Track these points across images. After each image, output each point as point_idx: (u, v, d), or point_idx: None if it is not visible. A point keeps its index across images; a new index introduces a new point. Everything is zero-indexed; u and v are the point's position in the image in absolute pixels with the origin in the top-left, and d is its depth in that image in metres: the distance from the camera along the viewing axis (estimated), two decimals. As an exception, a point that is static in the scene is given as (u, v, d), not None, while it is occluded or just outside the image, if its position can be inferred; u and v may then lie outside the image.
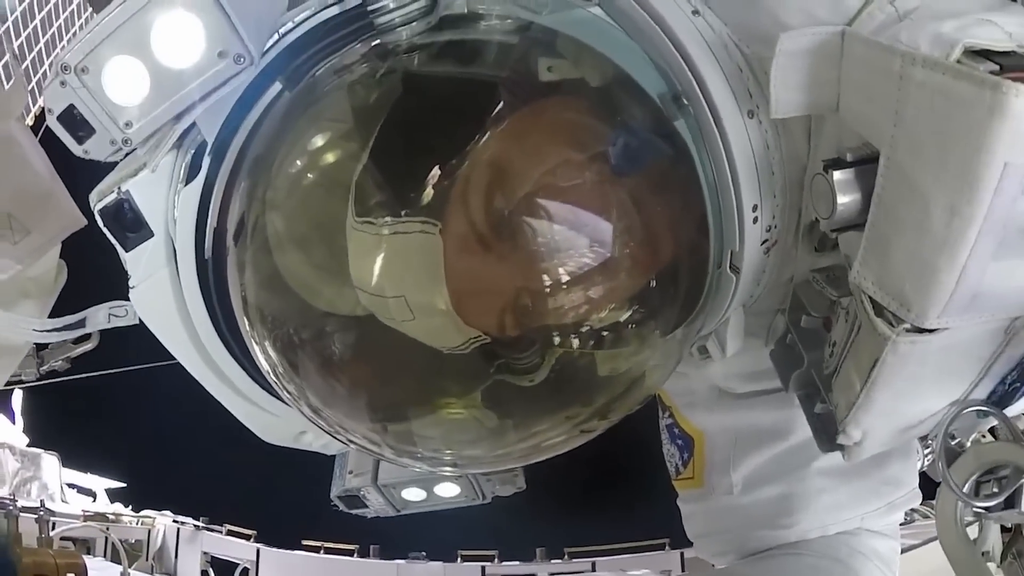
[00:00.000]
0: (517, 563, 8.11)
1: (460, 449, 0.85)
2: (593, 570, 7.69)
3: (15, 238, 1.09)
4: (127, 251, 0.81)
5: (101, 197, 0.78)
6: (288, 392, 0.81)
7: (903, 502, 1.05)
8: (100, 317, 0.86)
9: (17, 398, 8.33)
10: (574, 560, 8.02)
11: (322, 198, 0.77)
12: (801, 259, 0.82)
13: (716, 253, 0.75)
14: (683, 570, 6.86)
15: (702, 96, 0.71)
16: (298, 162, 0.78)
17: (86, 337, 0.93)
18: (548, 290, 0.69)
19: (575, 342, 0.73)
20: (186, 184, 0.79)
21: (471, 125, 0.70)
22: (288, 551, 8.65)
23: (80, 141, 0.72)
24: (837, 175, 0.63)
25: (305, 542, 8.76)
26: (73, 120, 0.71)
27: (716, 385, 1.06)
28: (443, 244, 0.67)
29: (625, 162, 0.70)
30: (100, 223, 0.79)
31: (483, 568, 7.94)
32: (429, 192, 0.68)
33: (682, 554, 7.36)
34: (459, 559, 8.17)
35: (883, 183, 0.60)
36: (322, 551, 8.63)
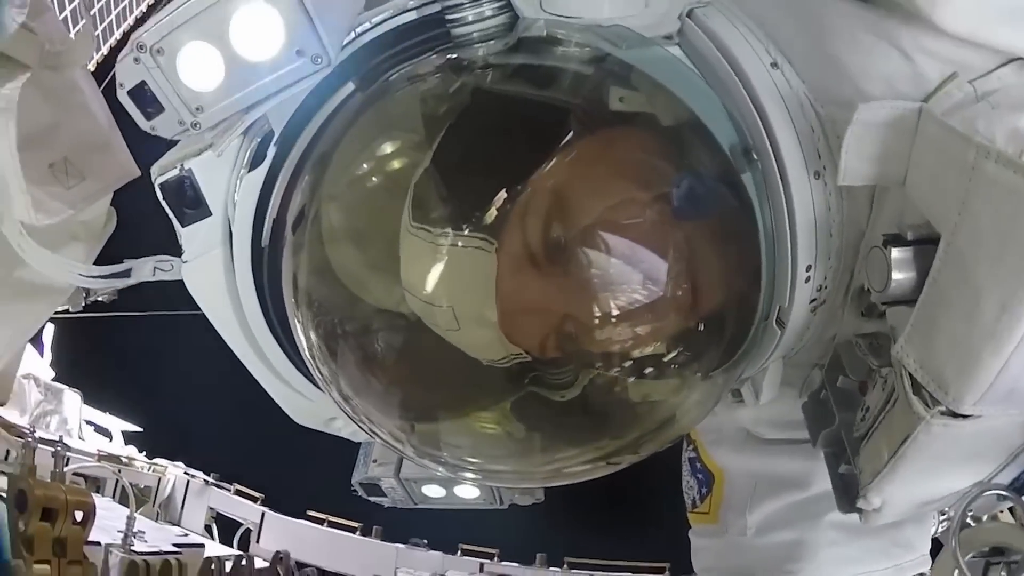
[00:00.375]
0: (516, 565, 8.08)
1: (484, 461, 0.87)
2: None
3: (69, 183, 1.11)
4: (183, 226, 0.83)
5: (163, 171, 0.80)
6: (322, 375, 0.83)
7: (911, 566, 1.05)
8: (146, 270, 0.87)
9: (48, 331, 8.50)
10: (572, 571, 7.98)
11: (383, 199, 0.78)
12: (847, 321, 0.82)
13: (764, 306, 0.76)
14: None
15: (772, 153, 0.72)
16: (363, 162, 0.80)
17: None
18: (594, 320, 0.70)
19: (612, 371, 0.75)
20: (250, 170, 0.81)
21: (538, 149, 0.72)
22: (292, 519, 8.75)
23: (148, 117, 0.74)
24: (895, 252, 0.64)
25: (310, 512, 8.86)
26: (143, 96, 0.72)
27: (744, 428, 1.07)
28: (497, 263, 0.69)
29: (687, 206, 0.71)
30: (159, 196, 0.81)
31: (481, 564, 7.90)
32: (490, 210, 0.69)
33: None
34: (459, 552, 8.17)
35: (939, 267, 0.60)
36: (326, 524, 8.70)
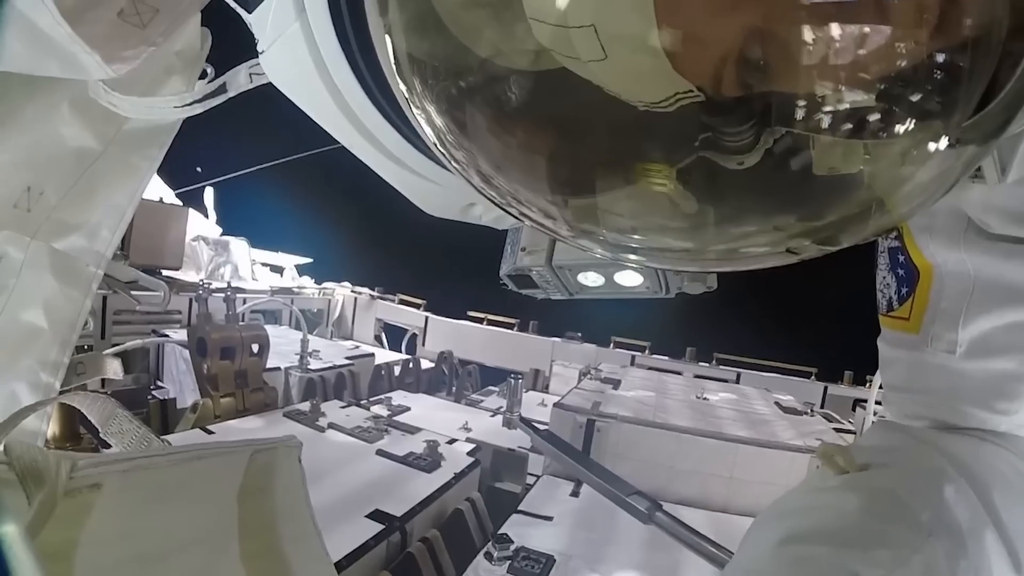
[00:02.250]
0: (666, 358, 8.34)
1: (648, 236, 0.69)
2: (737, 381, 7.68)
3: (142, 20, 1.04)
4: (249, 12, 0.71)
5: None
6: (455, 159, 0.68)
7: None
8: (241, 79, 0.81)
9: (209, 195, 9.22)
10: (721, 367, 8.13)
11: None
12: None
13: None
14: (822, 405, 6.71)
15: None
16: None
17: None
18: (801, 35, 0.47)
19: (812, 125, 0.52)
20: None
21: None
22: (453, 320, 9.42)
23: None
24: None
25: (470, 313, 9.49)
26: None
27: (966, 214, 0.83)
28: None
29: None
30: None
31: (633, 357, 8.25)
32: None
33: (825, 388, 7.30)
34: (612, 345, 8.55)
35: None
36: (485, 323, 9.32)
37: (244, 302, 5.80)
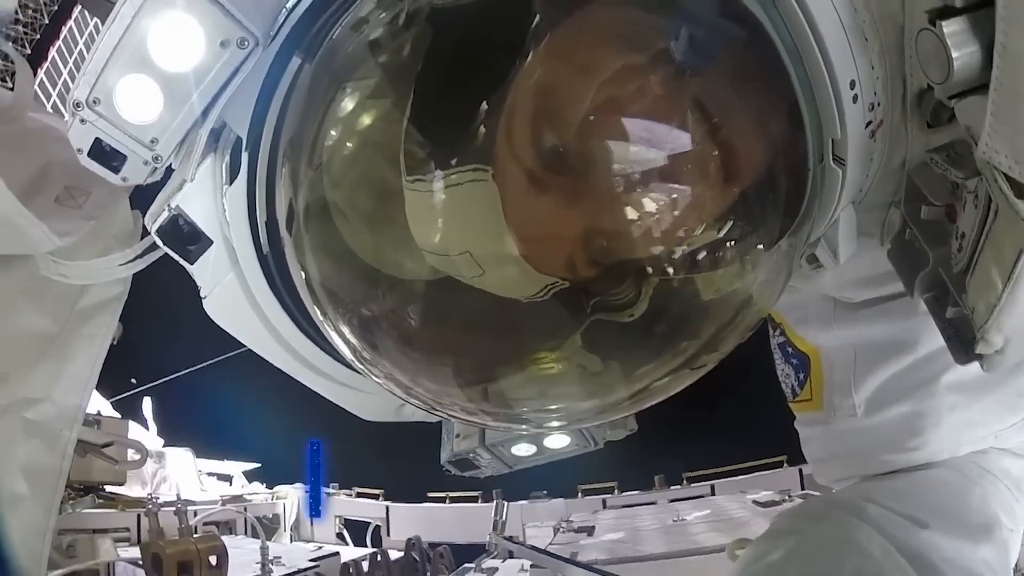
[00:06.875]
0: (637, 492, 8.23)
1: (567, 405, 0.78)
2: (713, 494, 7.68)
3: (77, 203, 1.18)
4: (191, 264, 0.81)
5: (155, 218, 0.78)
6: (374, 375, 0.77)
7: None
8: None
9: (147, 405, 8.99)
10: (693, 485, 8.09)
11: (365, 165, 0.71)
12: (913, 139, 0.69)
13: (815, 145, 0.63)
14: (802, 487, 6.76)
15: None
16: (333, 133, 0.71)
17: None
18: (625, 223, 0.59)
19: (669, 270, 0.64)
20: (230, 184, 0.77)
21: (507, 51, 0.60)
22: (415, 504, 9.06)
23: (116, 171, 0.73)
24: (948, 26, 0.51)
25: (430, 494, 9.15)
26: (103, 153, 0.72)
27: (830, 296, 0.95)
28: (499, 189, 0.59)
29: (692, 57, 0.58)
30: (160, 243, 0.80)
31: (604, 500, 8.11)
32: (475, 134, 0.59)
33: (800, 470, 7.28)
34: (580, 494, 8.38)
35: (1005, 28, 0.48)
36: (447, 500, 8.99)
37: (195, 514, 5.51)
